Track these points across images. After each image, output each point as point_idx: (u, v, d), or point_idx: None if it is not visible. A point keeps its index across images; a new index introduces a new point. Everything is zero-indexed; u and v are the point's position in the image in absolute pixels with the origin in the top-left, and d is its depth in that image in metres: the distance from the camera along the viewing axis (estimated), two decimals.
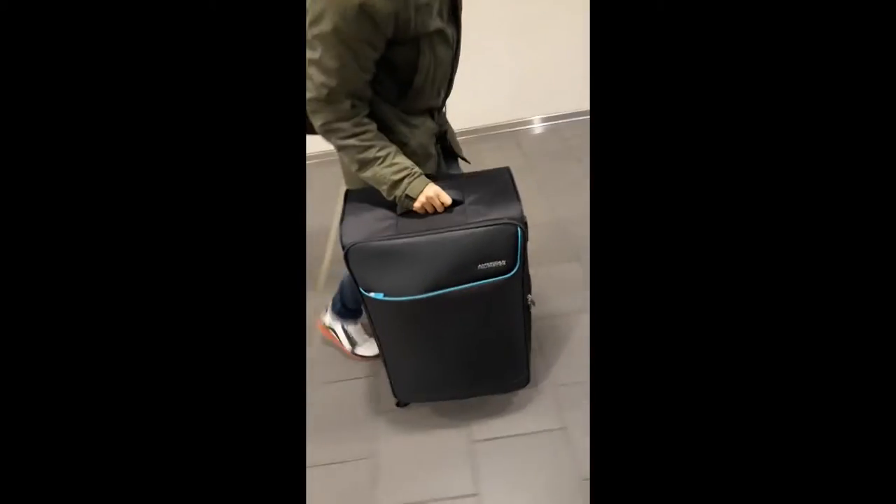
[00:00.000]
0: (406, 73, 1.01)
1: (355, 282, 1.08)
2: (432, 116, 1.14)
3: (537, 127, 2.71)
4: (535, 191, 2.15)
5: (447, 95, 1.17)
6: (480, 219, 1.03)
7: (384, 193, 1.05)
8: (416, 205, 1.05)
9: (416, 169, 1.05)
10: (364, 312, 1.16)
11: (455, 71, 1.13)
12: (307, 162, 2.54)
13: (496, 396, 1.38)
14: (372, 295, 1.07)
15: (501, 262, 1.04)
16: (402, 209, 1.07)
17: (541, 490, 1.18)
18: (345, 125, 0.98)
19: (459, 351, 1.16)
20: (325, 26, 0.87)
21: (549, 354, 1.48)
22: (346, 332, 1.56)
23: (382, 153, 1.02)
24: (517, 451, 1.26)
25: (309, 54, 0.92)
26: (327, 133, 0.99)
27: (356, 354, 1.57)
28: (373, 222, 1.08)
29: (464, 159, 1.28)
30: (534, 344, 1.49)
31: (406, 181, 1.03)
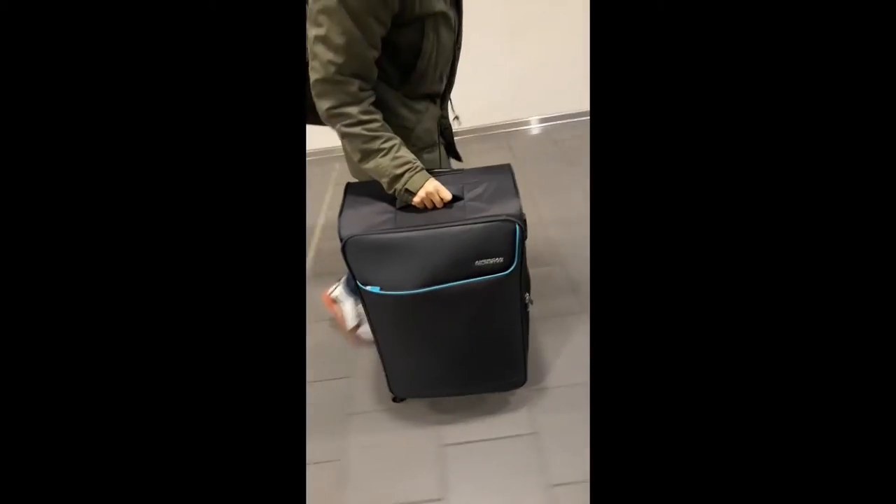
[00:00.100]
0: (409, 56, 1.01)
1: (352, 275, 1.08)
2: (434, 102, 1.14)
3: (531, 128, 2.72)
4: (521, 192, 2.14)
5: (450, 84, 1.18)
6: (479, 215, 1.02)
7: (384, 186, 1.05)
8: (416, 199, 1.05)
9: (418, 164, 1.04)
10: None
11: (457, 58, 1.13)
12: None
13: (469, 399, 1.36)
14: (369, 288, 1.07)
15: (499, 259, 1.04)
16: (402, 203, 1.07)
17: (508, 496, 1.16)
18: (353, 111, 0.97)
19: (455, 348, 1.16)
20: (330, 0, 0.86)
21: None
22: (355, 309, 1.55)
23: (387, 145, 1.01)
24: (487, 456, 1.24)
25: (314, 31, 0.90)
26: (333, 118, 0.98)
27: (357, 336, 1.56)
28: (371, 216, 1.07)
29: (458, 158, 1.29)
30: None
31: (407, 175, 1.03)
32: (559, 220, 2.00)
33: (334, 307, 1.58)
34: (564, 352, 1.46)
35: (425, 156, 1.18)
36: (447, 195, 1.06)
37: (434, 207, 1.07)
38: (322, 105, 0.97)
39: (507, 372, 1.27)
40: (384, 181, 1.04)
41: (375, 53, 0.96)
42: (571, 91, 2.61)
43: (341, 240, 1.04)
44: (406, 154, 1.04)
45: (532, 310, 1.62)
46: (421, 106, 1.10)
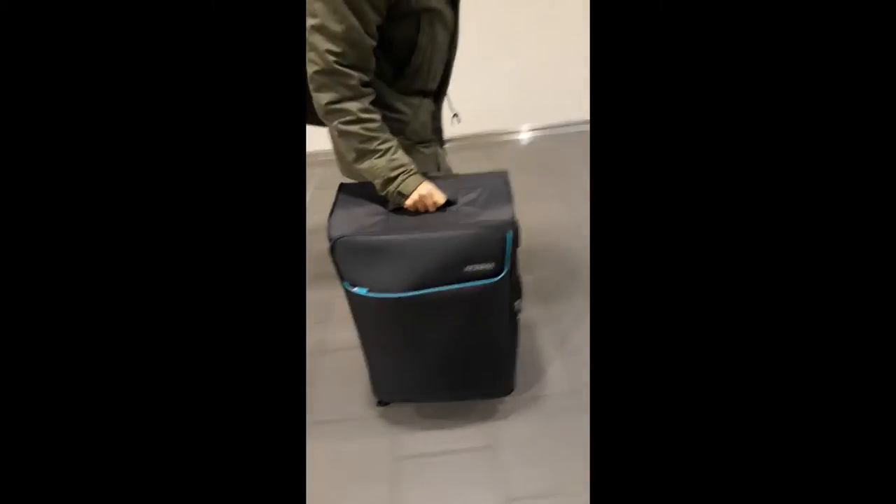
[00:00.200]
0: (403, 51, 1.01)
1: (340, 276, 1.06)
2: (428, 97, 1.13)
3: (520, 138, 2.73)
4: None
5: (445, 83, 1.17)
6: (471, 220, 1.02)
7: (377, 188, 1.04)
8: (408, 202, 1.04)
9: (413, 166, 1.03)
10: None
11: (453, 57, 1.13)
12: None
13: (430, 409, 1.33)
14: (356, 290, 1.06)
15: (489, 266, 1.02)
16: (394, 206, 1.06)
17: None
18: (352, 107, 0.96)
19: (441, 353, 1.15)
20: None
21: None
22: None
23: (384, 146, 1.00)
24: (441, 470, 1.20)
25: (309, 21, 0.89)
26: (332, 114, 0.97)
27: None
28: (362, 217, 1.06)
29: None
30: None
31: (401, 178, 1.02)
32: (539, 228, 1.98)
33: None
34: (528, 362, 1.43)
35: (423, 150, 1.17)
36: (440, 199, 1.05)
37: (427, 211, 1.06)
38: (321, 99, 0.95)
39: (495, 379, 1.25)
40: (378, 183, 1.03)
41: (373, 42, 0.95)
42: (557, 102, 2.62)
43: (330, 240, 1.03)
44: (402, 157, 1.03)
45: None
46: (415, 101, 1.10)
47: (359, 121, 0.97)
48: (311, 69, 0.93)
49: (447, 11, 1.02)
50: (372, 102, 1.00)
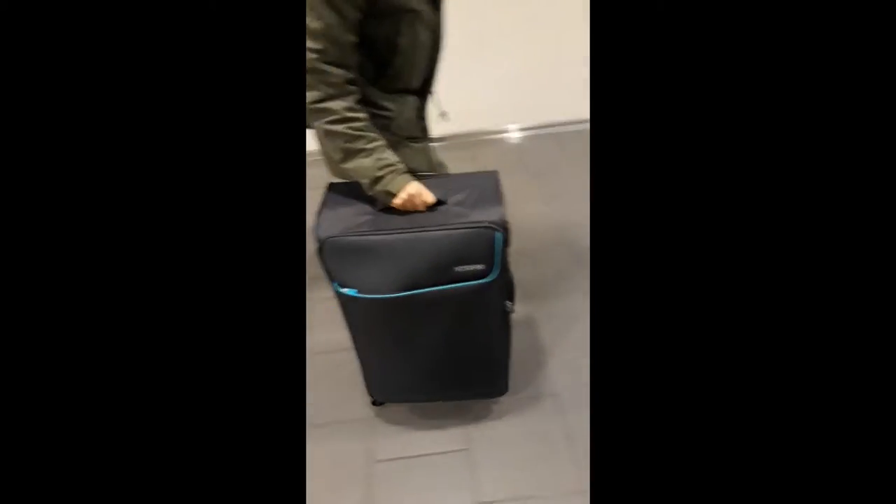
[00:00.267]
0: (385, 51, 1.00)
1: (328, 276, 1.05)
2: (412, 94, 1.13)
3: (508, 137, 2.72)
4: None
5: (430, 83, 1.16)
6: (460, 220, 1.00)
7: (365, 188, 1.03)
8: (397, 201, 1.02)
9: (401, 165, 1.02)
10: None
11: (438, 57, 1.12)
12: None
13: (409, 412, 1.33)
14: (345, 291, 1.05)
15: (479, 266, 1.02)
16: (382, 205, 1.05)
17: None
18: (337, 106, 0.95)
19: (432, 354, 1.14)
20: None
21: None
22: None
23: (370, 146, 0.99)
24: (417, 473, 1.20)
25: None
26: (317, 113, 0.96)
27: None
28: (350, 217, 1.05)
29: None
30: None
31: (388, 177, 1.00)
32: (526, 228, 1.97)
33: None
34: (517, 363, 1.42)
35: (412, 145, 1.16)
36: (430, 198, 1.04)
37: (416, 211, 1.05)
38: (304, 98, 0.95)
39: (487, 380, 1.25)
40: (365, 182, 1.02)
41: (353, 38, 0.94)
42: (540, 103, 2.61)
43: (318, 240, 1.01)
44: (390, 156, 1.02)
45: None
46: (399, 98, 1.09)
47: (344, 120, 0.96)
48: None
49: (429, 12, 1.01)
50: (357, 101, 0.99)
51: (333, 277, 1.05)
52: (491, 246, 1.00)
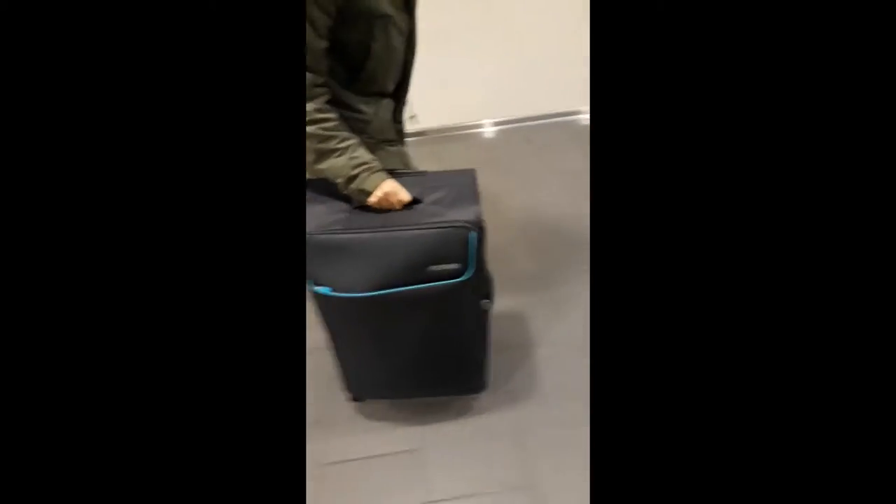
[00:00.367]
0: (357, 56, 1.00)
1: None
2: (386, 97, 1.12)
3: (483, 132, 2.73)
4: None
5: (404, 86, 1.16)
6: (434, 220, 1.00)
7: (340, 187, 1.02)
8: (372, 200, 1.02)
9: (376, 163, 1.02)
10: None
11: (412, 60, 1.12)
12: None
13: (351, 416, 1.33)
14: (319, 289, 1.04)
15: (454, 266, 1.01)
16: (357, 204, 1.04)
17: None
18: (307, 108, 0.94)
19: (407, 353, 1.14)
20: None
21: None
22: None
23: (343, 145, 0.98)
24: (366, 475, 1.20)
25: None
26: None
27: None
28: (324, 214, 1.04)
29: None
30: None
31: (363, 175, 1.00)
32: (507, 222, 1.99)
33: None
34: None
35: (389, 148, 1.15)
36: (405, 197, 1.03)
37: (392, 209, 1.04)
38: None
39: (464, 377, 1.25)
40: (340, 182, 1.01)
41: (324, 43, 0.94)
42: (517, 97, 2.62)
43: None
44: (363, 154, 1.01)
45: None
46: (373, 100, 1.09)
47: (314, 121, 0.95)
48: None
49: (401, 16, 1.01)
50: (331, 102, 0.99)
51: (308, 275, 1.04)
52: (465, 245, 1.00)
